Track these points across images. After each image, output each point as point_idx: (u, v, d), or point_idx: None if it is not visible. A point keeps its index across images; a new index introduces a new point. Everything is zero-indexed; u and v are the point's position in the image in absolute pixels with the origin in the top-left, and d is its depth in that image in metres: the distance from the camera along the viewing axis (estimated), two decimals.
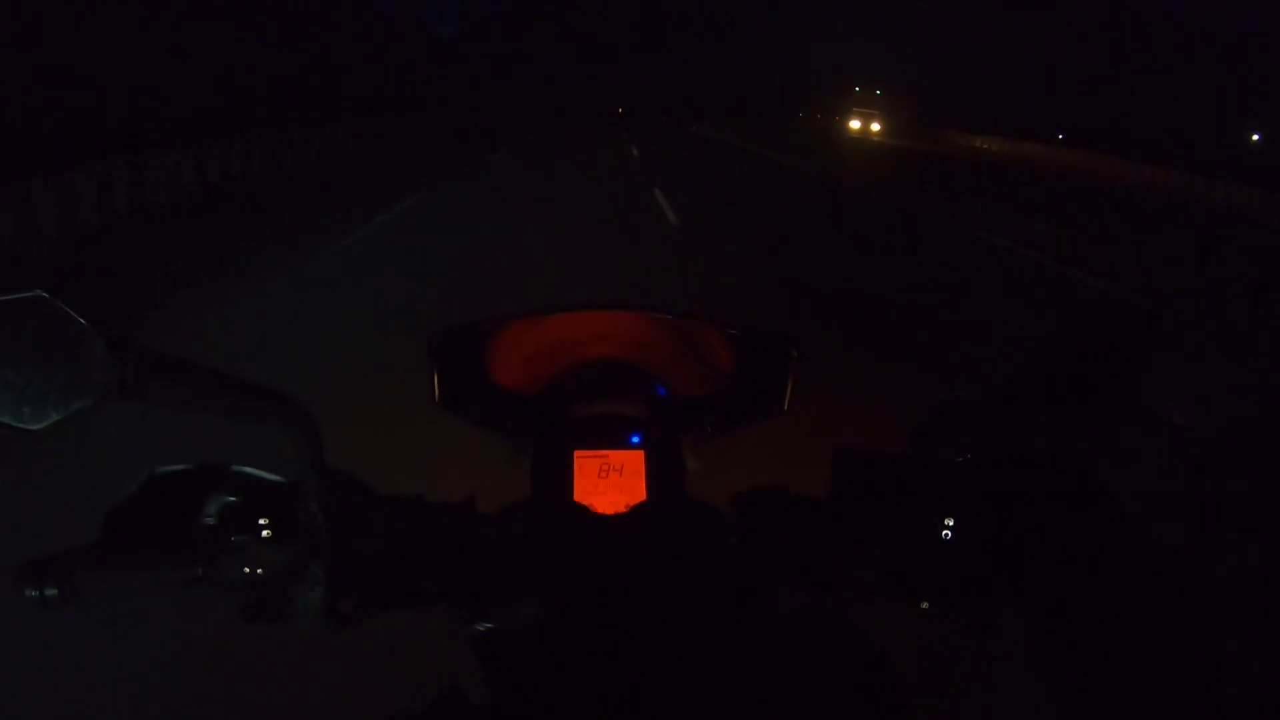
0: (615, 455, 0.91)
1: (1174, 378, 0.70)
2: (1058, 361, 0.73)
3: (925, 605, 0.78)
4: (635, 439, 0.92)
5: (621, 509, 0.88)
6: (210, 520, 0.78)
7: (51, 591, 0.71)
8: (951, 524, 0.76)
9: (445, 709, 0.76)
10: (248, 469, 0.81)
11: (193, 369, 0.70)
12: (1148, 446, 0.74)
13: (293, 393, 0.76)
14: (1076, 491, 0.73)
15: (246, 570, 0.76)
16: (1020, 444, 0.77)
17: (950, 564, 0.76)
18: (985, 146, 36.70)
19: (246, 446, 0.90)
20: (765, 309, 7.27)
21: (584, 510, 0.86)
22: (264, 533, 0.76)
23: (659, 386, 0.99)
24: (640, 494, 0.90)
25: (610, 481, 0.90)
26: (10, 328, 0.67)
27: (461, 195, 14.96)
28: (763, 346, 0.94)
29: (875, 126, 53.40)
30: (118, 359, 0.68)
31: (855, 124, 54.52)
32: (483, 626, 0.81)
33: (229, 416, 0.73)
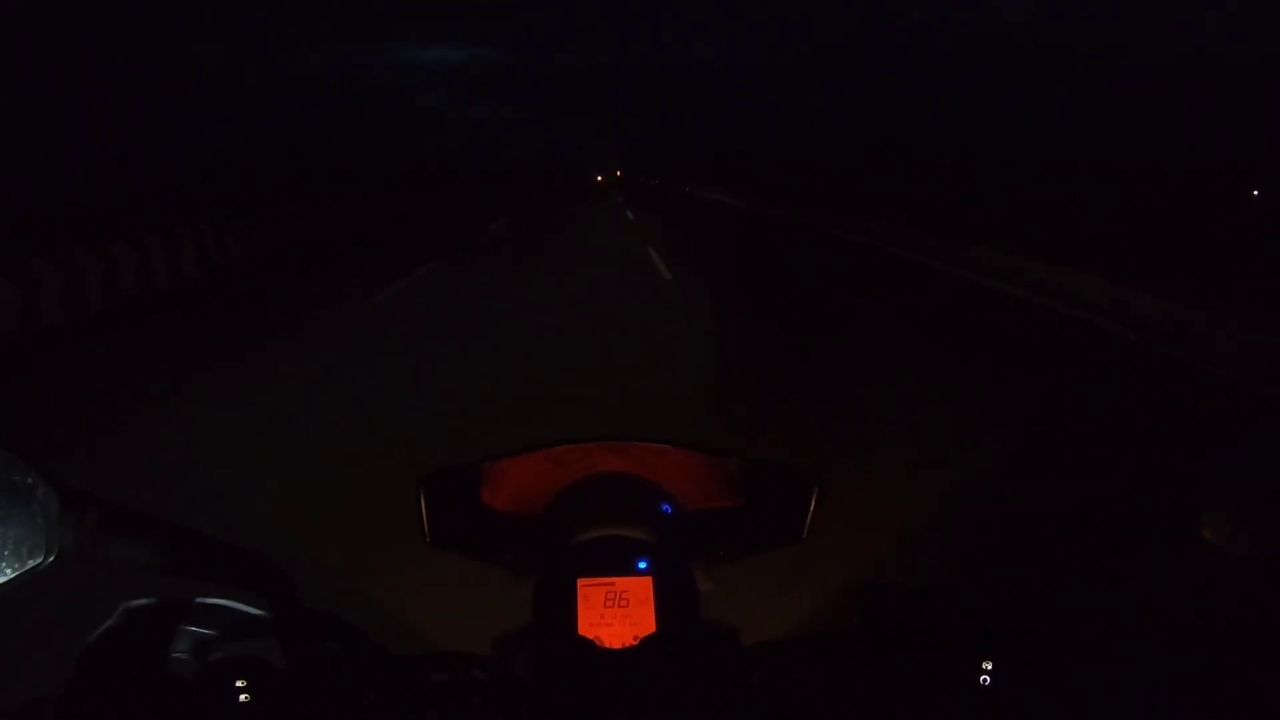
0: (621, 583, 0.85)
1: (1229, 506, 0.66)
2: (1110, 490, 0.69)
3: None
4: (642, 564, 0.86)
5: (630, 641, 0.82)
6: (183, 655, 0.74)
7: None
8: (990, 668, 0.70)
9: None
10: (221, 600, 0.79)
11: (157, 526, 0.66)
12: (1202, 576, 0.69)
13: (264, 550, 0.71)
14: (1125, 632, 0.68)
15: None
16: (1064, 581, 0.72)
17: (989, 712, 0.71)
18: None
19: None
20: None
21: (590, 644, 0.81)
22: (241, 696, 0.70)
23: (665, 503, 0.94)
24: (649, 624, 0.84)
25: (617, 612, 0.84)
26: None
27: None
28: (780, 481, 0.90)
29: None
30: (74, 515, 0.63)
31: None
32: None
33: (195, 575, 0.69)
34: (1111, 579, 0.71)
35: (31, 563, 0.65)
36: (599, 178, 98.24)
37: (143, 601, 0.76)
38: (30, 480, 0.64)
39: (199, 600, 0.78)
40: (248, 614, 0.78)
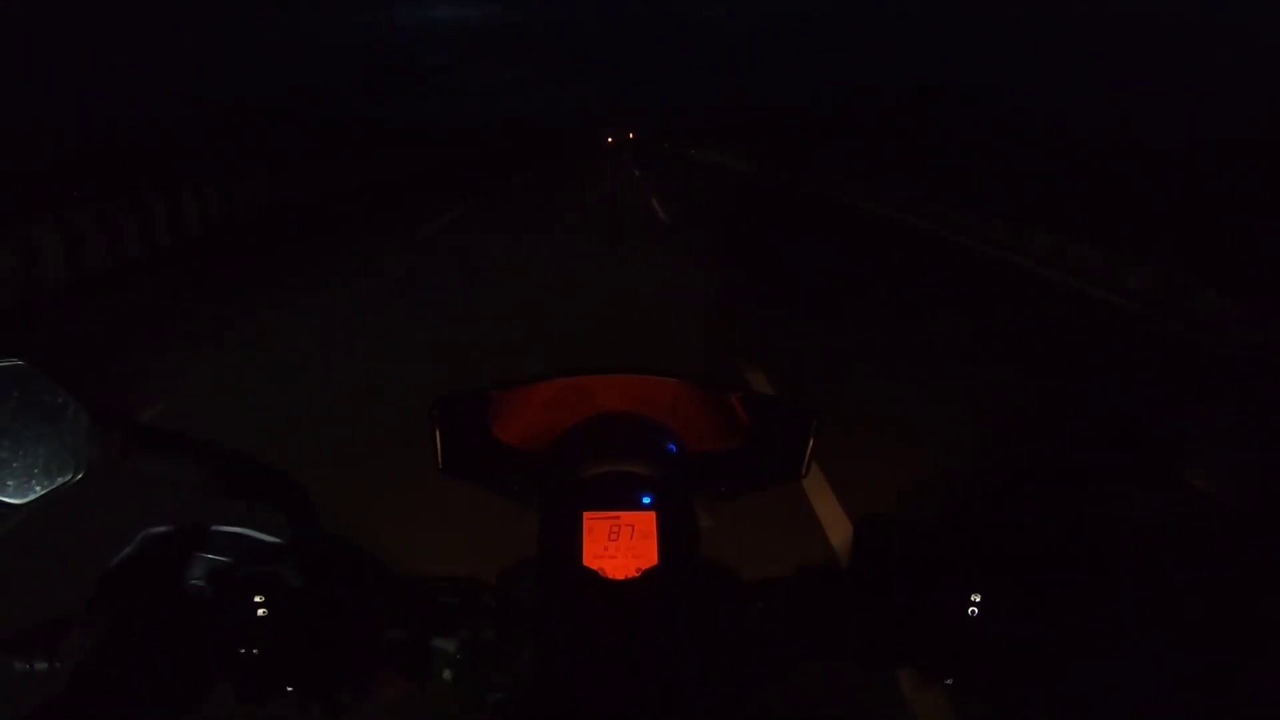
0: (626, 517, 0.88)
1: (1210, 450, 0.68)
2: (1093, 436, 0.71)
3: (949, 682, 0.75)
4: (646, 500, 0.88)
5: (633, 573, 0.85)
6: (199, 582, 0.76)
7: (41, 665, 0.70)
8: (979, 600, 0.73)
9: None
10: (238, 529, 0.80)
11: (180, 442, 0.69)
12: (1181, 519, 0.72)
13: (281, 465, 0.74)
14: (1108, 568, 0.71)
15: (242, 651, 0.73)
16: (1052, 518, 0.74)
17: (976, 641, 0.73)
18: None
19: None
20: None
21: (594, 575, 0.83)
22: (259, 611, 0.73)
23: (670, 442, 0.96)
24: (652, 557, 0.87)
25: (621, 544, 0.87)
26: None
27: None
28: (781, 414, 0.92)
29: None
30: (102, 432, 0.66)
31: None
32: (490, 698, 0.79)
33: (218, 491, 0.71)
34: (1095, 518, 0.73)
35: (61, 479, 0.67)
36: (609, 139, 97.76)
37: (161, 529, 0.78)
38: (60, 399, 0.67)
39: (216, 528, 0.80)
40: (264, 541, 0.81)
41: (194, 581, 0.77)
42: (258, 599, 0.73)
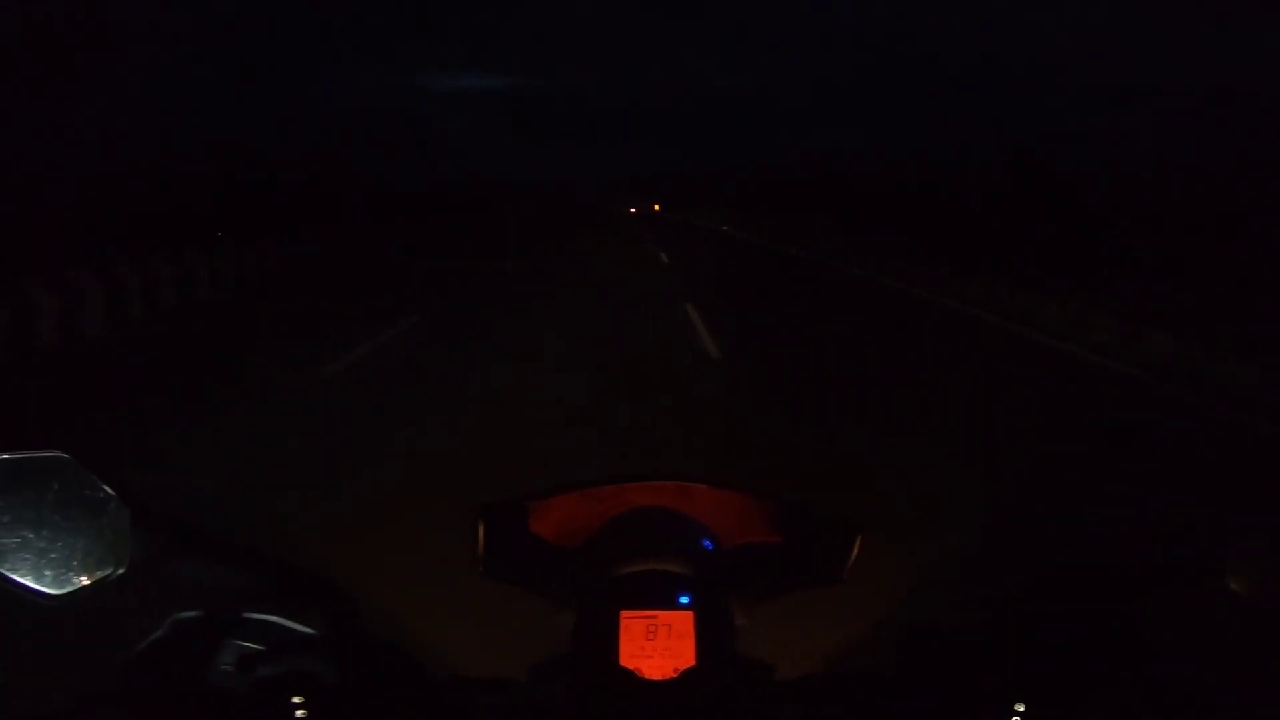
0: (664, 616, 0.86)
1: (1258, 558, 0.67)
2: (1138, 544, 0.71)
3: None
4: (684, 599, 0.87)
5: (670, 674, 0.83)
6: (229, 668, 0.75)
7: None
8: (1023, 710, 0.71)
9: None
10: (269, 616, 0.79)
11: (226, 547, 0.68)
12: (1227, 627, 0.70)
13: (328, 570, 0.73)
14: (1151, 679, 0.69)
15: None
16: (1095, 626, 0.73)
17: None
18: None
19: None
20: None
21: (631, 675, 0.82)
22: (298, 712, 0.71)
23: (705, 539, 0.95)
24: (689, 657, 0.85)
25: (658, 644, 0.86)
26: (30, 488, 0.66)
27: None
28: (821, 524, 0.91)
29: None
30: (145, 532, 0.66)
31: None
32: None
33: (262, 599, 0.70)
34: (1137, 624, 0.72)
35: (101, 573, 0.67)
36: (632, 209, 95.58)
37: (191, 614, 0.77)
38: (102, 495, 0.67)
39: (246, 615, 0.78)
40: (295, 630, 0.79)
41: (224, 668, 0.76)
42: (296, 700, 0.72)
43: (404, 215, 29.38)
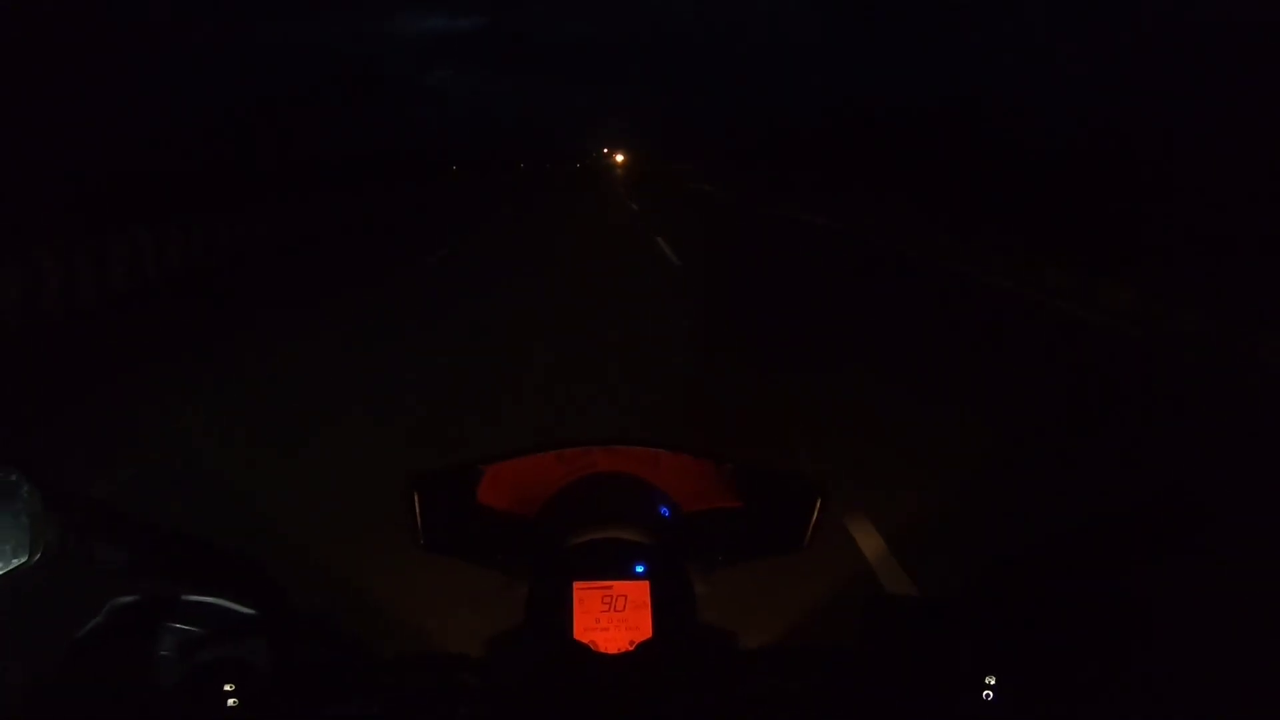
0: (619, 586, 0.83)
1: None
2: (1119, 519, 0.68)
3: None
4: (640, 568, 0.84)
5: (626, 646, 0.81)
6: (168, 654, 0.73)
7: None
8: (994, 683, 0.69)
9: None
10: (209, 598, 0.77)
11: (144, 527, 0.65)
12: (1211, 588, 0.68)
13: (257, 555, 0.69)
14: (1129, 649, 0.67)
15: None
16: (1071, 595, 0.70)
17: None
18: None
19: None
20: None
21: (585, 649, 0.79)
22: (229, 701, 0.68)
23: (663, 505, 0.92)
24: (646, 629, 0.82)
25: (613, 616, 0.83)
26: None
27: None
28: (782, 486, 0.88)
29: None
30: (59, 516, 0.62)
31: None
32: None
33: (184, 580, 0.67)
34: (1118, 590, 0.70)
35: (16, 561, 0.63)
36: (619, 158, 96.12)
37: (129, 599, 0.75)
38: (14, 478, 0.63)
39: (186, 598, 0.76)
40: (236, 613, 0.77)
41: (163, 654, 0.73)
42: (227, 688, 0.69)
43: (373, 181, 28.46)
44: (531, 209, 28.27)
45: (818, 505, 0.86)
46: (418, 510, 0.86)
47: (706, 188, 43.39)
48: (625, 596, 0.83)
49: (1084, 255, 10.68)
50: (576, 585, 0.83)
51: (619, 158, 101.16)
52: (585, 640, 0.80)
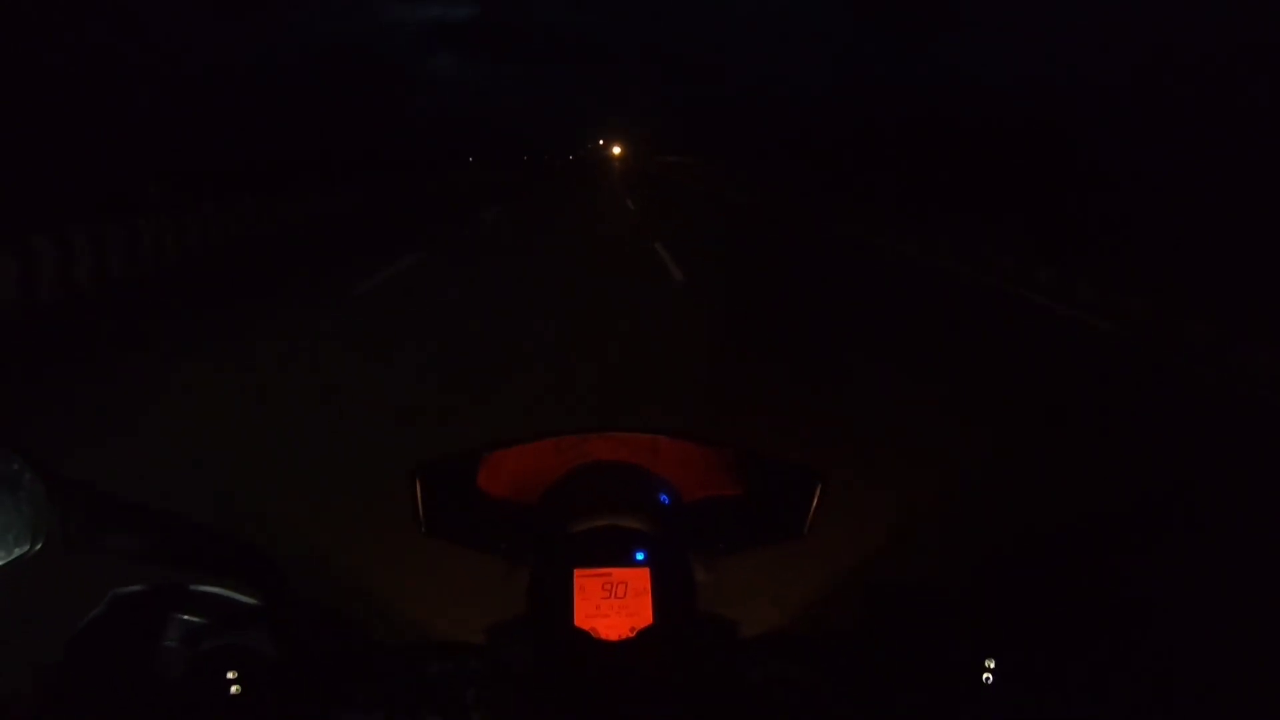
0: (619, 573, 0.84)
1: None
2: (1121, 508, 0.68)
3: None
4: (640, 555, 0.85)
5: (627, 633, 0.81)
6: (173, 644, 0.73)
7: None
8: (993, 666, 0.69)
9: None
10: (213, 588, 0.77)
11: (145, 515, 0.65)
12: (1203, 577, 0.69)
13: (258, 541, 0.70)
14: (1128, 633, 0.68)
15: None
16: (1072, 580, 0.71)
17: (990, 709, 0.70)
18: None
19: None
20: None
21: (586, 636, 0.80)
22: (233, 689, 0.69)
23: (663, 493, 0.93)
24: (647, 616, 0.83)
25: (614, 603, 0.83)
26: None
27: None
28: (782, 473, 0.89)
29: None
30: (61, 505, 0.62)
31: None
32: None
33: (189, 569, 0.67)
34: (1114, 578, 0.70)
35: (18, 551, 0.64)
36: (616, 150, 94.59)
37: (132, 588, 0.75)
38: (16, 467, 0.63)
39: (190, 587, 0.76)
40: (240, 602, 0.77)
41: (167, 643, 0.74)
42: (230, 675, 0.69)
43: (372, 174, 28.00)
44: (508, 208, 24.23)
45: (817, 492, 0.86)
46: (419, 497, 0.87)
47: (728, 193, 32.54)
48: (626, 583, 0.83)
49: None
50: (577, 572, 0.83)
51: (615, 150, 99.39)
52: (586, 627, 0.81)
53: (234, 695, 0.69)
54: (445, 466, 0.90)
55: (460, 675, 0.76)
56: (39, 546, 0.63)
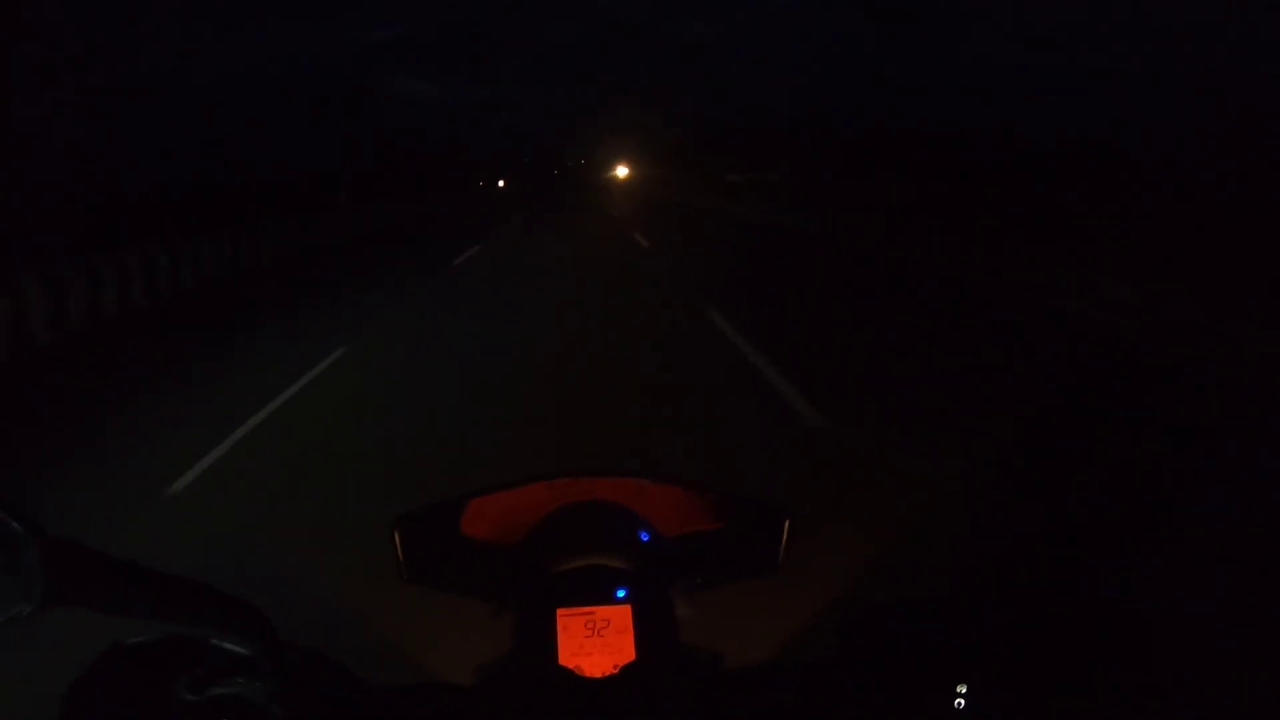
0: (601, 612, 0.86)
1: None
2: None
3: None
4: (621, 593, 0.87)
5: (610, 670, 0.83)
6: (172, 696, 0.74)
7: None
8: (964, 691, 0.71)
9: None
10: (206, 640, 0.77)
11: (139, 573, 0.66)
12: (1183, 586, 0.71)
13: (250, 597, 0.71)
14: (1103, 660, 0.70)
15: None
16: (1047, 604, 0.73)
17: None
18: None
19: None
20: None
21: (570, 674, 0.81)
22: None
23: (642, 530, 0.94)
24: (629, 653, 0.85)
25: (597, 641, 0.85)
26: None
27: None
28: (752, 512, 0.92)
29: None
30: (54, 565, 0.63)
31: None
32: None
33: (181, 623, 0.68)
34: (1091, 594, 0.72)
35: (14, 610, 0.64)
36: (621, 174, 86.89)
37: (132, 640, 0.76)
38: (13, 525, 0.64)
39: (189, 639, 0.77)
40: (234, 653, 0.78)
41: (163, 695, 0.74)
42: None
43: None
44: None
45: (786, 527, 0.89)
46: (399, 547, 0.89)
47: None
48: (608, 621, 0.85)
49: None
50: (560, 612, 0.85)
51: (621, 172, 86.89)
52: (571, 665, 0.83)
53: None
54: (426, 515, 0.92)
55: (451, 716, 0.78)
56: (33, 607, 0.64)
